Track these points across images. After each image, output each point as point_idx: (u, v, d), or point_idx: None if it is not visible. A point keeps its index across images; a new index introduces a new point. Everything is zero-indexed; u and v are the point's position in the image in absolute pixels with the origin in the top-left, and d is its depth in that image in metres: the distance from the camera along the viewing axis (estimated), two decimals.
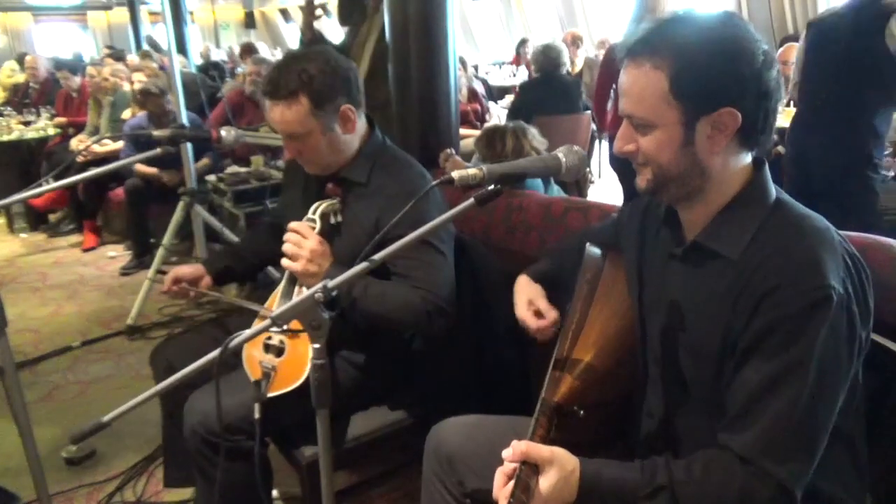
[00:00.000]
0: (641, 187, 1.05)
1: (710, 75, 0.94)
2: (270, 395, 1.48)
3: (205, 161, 4.06)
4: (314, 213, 1.58)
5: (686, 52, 0.95)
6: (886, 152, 2.71)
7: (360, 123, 1.64)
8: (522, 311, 1.32)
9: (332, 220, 1.60)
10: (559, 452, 0.96)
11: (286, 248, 1.50)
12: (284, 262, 1.50)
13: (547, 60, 4.33)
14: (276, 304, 1.61)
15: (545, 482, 0.93)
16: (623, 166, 3.78)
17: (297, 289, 1.60)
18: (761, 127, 0.99)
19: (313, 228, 1.54)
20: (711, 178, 1.01)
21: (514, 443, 0.97)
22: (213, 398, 1.19)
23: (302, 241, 1.49)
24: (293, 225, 1.53)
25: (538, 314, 1.31)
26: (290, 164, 2.00)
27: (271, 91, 1.52)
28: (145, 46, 7.31)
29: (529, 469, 0.94)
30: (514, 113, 4.60)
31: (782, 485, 0.91)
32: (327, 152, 1.58)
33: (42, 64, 6.45)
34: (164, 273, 3.51)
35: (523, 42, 9.17)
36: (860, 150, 2.51)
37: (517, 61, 8.87)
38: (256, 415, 1.45)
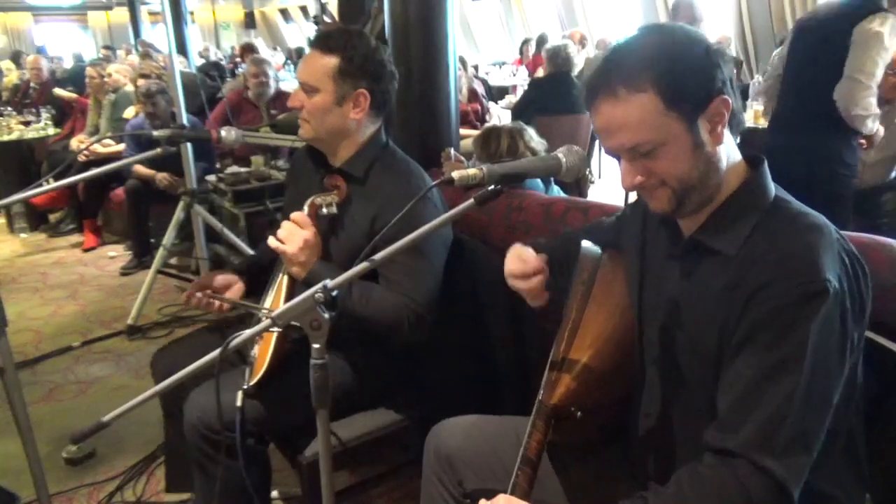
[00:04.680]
0: (662, 209, 1.04)
1: (693, 73, 0.96)
2: (251, 382, 1.51)
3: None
4: (307, 205, 1.58)
5: (660, 63, 0.95)
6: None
7: (372, 123, 1.65)
8: (512, 266, 1.26)
9: (325, 212, 1.56)
10: None
11: (280, 232, 1.52)
12: (272, 241, 1.52)
13: (558, 60, 4.41)
14: (269, 299, 1.64)
15: None
16: None
17: (280, 276, 1.61)
18: (738, 108, 1.01)
19: None
20: (721, 173, 1.01)
21: (500, 497, 0.95)
22: (213, 395, 1.19)
23: (298, 229, 1.51)
24: (295, 215, 1.54)
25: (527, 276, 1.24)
26: (293, 164, 2.01)
27: (318, 39, 1.60)
28: (140, 49, 7.26)
29: None
30: (519, 108, 4.63)
31: (778, 480, 0.89)
32: (324, 120, 1.59)
33: (44, 64, 6.44)
34: (164, 273, 3.54)
35: (526, 42, 9.17)
36: (836, 149, 2.52)
37: (526, 62, 8.87)
38: (238, 403, 1.47)
